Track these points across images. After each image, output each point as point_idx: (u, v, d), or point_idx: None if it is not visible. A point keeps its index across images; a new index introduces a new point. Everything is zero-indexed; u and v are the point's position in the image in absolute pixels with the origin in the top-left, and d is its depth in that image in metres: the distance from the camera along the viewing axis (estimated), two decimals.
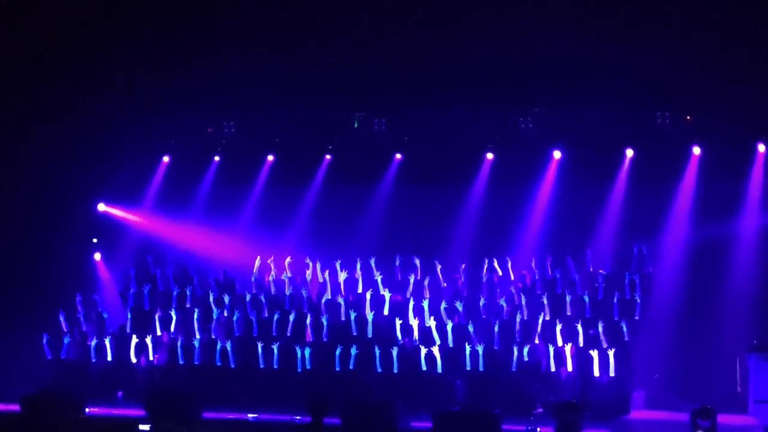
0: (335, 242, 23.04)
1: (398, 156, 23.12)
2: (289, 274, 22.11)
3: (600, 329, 19.41)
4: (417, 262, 21.68)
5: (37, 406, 16.68)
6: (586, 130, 21.54)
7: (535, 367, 19.21)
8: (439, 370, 19.50)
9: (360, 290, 21.57)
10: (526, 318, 20.09)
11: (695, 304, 21.15)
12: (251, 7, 21.05)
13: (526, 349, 19.28)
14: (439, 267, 21.64)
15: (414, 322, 20.32)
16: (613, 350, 19.03)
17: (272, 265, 22.36)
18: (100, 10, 21.24)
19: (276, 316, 20.79)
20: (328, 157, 23.41)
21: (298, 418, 15.75)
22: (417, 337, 20.09)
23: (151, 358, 20.59)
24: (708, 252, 21.42)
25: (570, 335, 19.59)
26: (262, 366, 20.17)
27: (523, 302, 20.31)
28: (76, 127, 22.40)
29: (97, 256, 23.90)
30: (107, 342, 20.78)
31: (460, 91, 21.36)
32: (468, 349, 19.45)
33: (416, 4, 20.91)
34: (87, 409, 17.36)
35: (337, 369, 19.82)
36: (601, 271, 20.96)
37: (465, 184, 22.82)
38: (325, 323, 20.51)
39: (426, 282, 21.16)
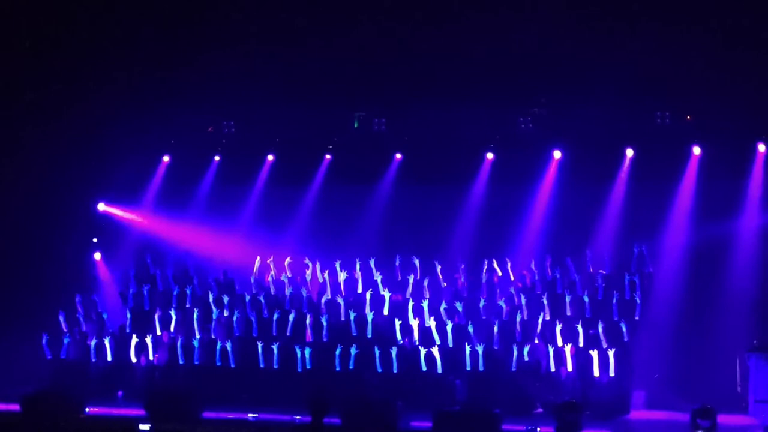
0: (335, 242, 23.01)
1: (398, 156, 23.12)
2: (288, 274, 22.11)
3: (600, 329, 19.41)
4: (416, 262, 21.66)
5: (37, 406, 16.69)
6: (586, 130, 21.52)
7: (535, 367, 19.21)
8: (439, 370, 19.51)
9: (360, 290, 21.56)
10: (525, 318, 20.09)
11: (695, 304, 21.13)
12: (251, 7, 21.03)
13: (526, 349, 19.27)
14: (438, 267, 21.63)
15: (414, 323, 20.31)
16: (613, 350, 19.02)
17: (272, 265, 22.35)
18: (99, 8, 21.21)
19: (276, 316, 20.80)
20: (328, 156, 23.41)
21: (298, 417, 15.73)
22: (417, 338, 20.09)
23: (151, 357, 20.60)
24: (708, 252, 21.40)
25: (570, 335, 19.59)
26: (262, 366, 20.17)
27: (523, 302, 20.30)
28: (76, 127, 22.39)
29: (97, 256, 23.91)
30: (107, 342, 20.78)
31: (460, 90, 21.34)
32: (468, 349, 19.45)
33: (416, 4, 20.89)
34: (87, 409, 17.37)
35: (337, 369, 19.83)
36: (601, 271, 20.95)
37: (465, 184, 22.81)
38: (324, 323, 20.51)
39: (426, 282, 21.15)
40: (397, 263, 21.80)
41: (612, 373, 18.95)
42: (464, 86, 21.30)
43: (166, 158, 23.85)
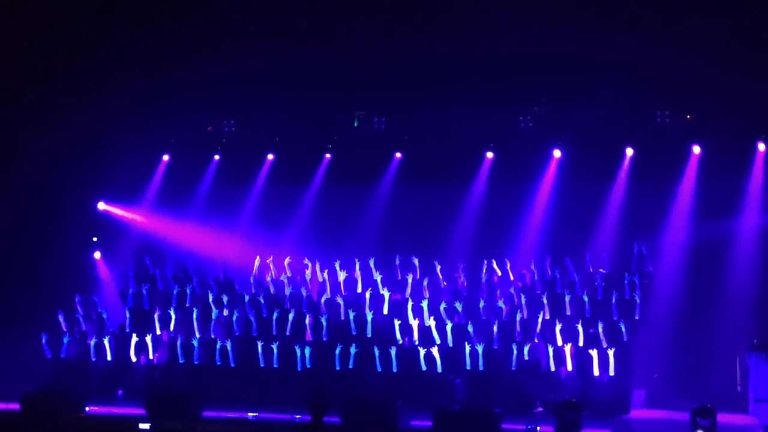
0: (335, 241, 23.01)
1: (398, 155, 23.11)
2: (288, 274, 22.11)
3: (600, 329, 19.40)
4: (416, 261, 21.65)
5: (37, 405, 16.67)
6: (586, 129, 21.52)
7: (535, 367, 19.20)
8: (439, 370, 19.50)
9: (359, 290, 21.55)
10: (525, 317, 20.08)
11: (695, 303, 21.13)
12: (251, 6, 21.02)
13: (526, 349, 19.27)
14: (438, 267, 21.62)
15: (414, 322, 20.31)
16: (613, 350, 19.02)
17: (272, 265, 22.35)
18: (99, 7, 21.20)
19: (275, 316, 20.79)
20: (327, 156, 23.40)
21: (298, 417, 15.73)
22: (417, 338, 20.08)
23: (150, 357, 20.59)
24: (708, 251, 21.40)
25: (569, 335, 19.58)
26: (262, 365, 20.18)
27: (523, 302, 20.29)
28: (76, 126, 22.39)
29: (97, 255, 23.90)
30: (107, 341, 20.78)
31: (459, 89, 21.34)
32: (468, 348, 19.44)
33: (416, 3, 20.89)
34: (87, 408, 17.37)
35: (337, 368, 19.82)
36: (600, 270, 20.94)
37: (465, 183, 22.80)
38: (324, 323, 20.51)
39: (425, 282, 21.14)
40: (397, 263, 21.79)
41: (612, 373, 18.95)
42: (464, 85, 21.29)
43: (165, 157, 23.85)
